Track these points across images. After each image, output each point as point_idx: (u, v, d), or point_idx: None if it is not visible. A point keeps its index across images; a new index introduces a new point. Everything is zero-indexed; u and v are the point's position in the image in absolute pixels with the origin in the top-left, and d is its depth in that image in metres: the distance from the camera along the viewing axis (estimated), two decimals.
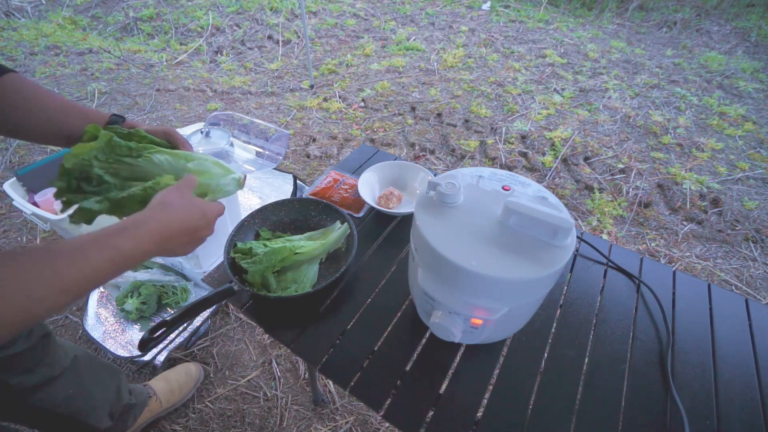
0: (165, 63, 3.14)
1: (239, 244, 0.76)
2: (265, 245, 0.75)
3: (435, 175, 0.90)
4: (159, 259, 1.53)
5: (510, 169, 2.17)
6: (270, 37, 3.52)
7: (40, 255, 0.38)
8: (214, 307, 1.23)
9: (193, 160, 0.60)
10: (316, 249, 0.77)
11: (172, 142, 0.63)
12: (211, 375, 1.31)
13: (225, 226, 1.36)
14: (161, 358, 1.28)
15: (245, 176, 0.66)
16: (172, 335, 1.32)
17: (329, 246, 0.78)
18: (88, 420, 0.88)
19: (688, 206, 1.95)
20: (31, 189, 1.53)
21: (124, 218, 0.46)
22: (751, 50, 3.38)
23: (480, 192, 0.61)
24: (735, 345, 0.70)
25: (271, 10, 3.90)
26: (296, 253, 0.76)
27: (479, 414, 0.60)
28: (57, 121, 0.58)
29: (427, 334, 0.69)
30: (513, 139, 2.37)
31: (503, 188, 0.62)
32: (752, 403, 0.62)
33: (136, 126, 0.62)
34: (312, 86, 2.85)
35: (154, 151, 0.58)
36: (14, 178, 1.51)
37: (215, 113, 1.39)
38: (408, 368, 0.65)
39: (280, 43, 3.42)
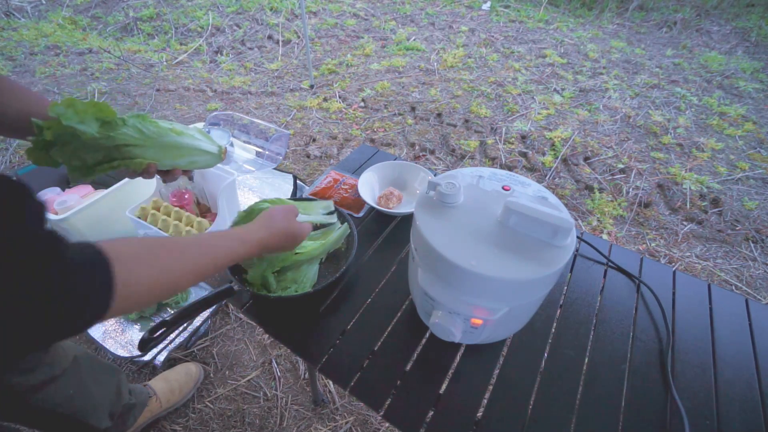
0: (165, 63, 3.14)
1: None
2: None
3: (435, 175, 0.90)
4: None
5: (510, 169, 2.17)
6: (270, 37, 3.52)
7: (187, 243, 0.49)
8: (214, 307, 1.23)
9: (179, 134, 0.62)
10: (316, 249, 0.77)
11: None
12: (211, 375, 1.31)
13: (225, 226, 1.36)
14: (161, 358, 1.28)
15: (225, 149, 0.69)
16: (172, 335, 1.32)
17: (329, 246, 0.78)
18: (88, 420, 0.88)
19: (688, 206, 1.95)
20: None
21: (240, 229, 0.60)
22: (751, 50, 3.38)
23: (480, 192, 0.61)
24: (735, 345, 0.70)
25: (271, 10, 3.90)
26: (296, 253, 0.76)
27: (479, 414, 0.60)
28: (29, 109, 0.58)
29: (427, 334, 0.69)
30: (513, 139, 2.37)
31: (503, 188, 0.62)
32: (752, 403, 0.62)
33: None
34: (312, 86, 2.85)
35: (143, 120, 0.59)
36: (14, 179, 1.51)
37: (215, 113, 1.39)
38: (408, 368, 0.65)
39: (280, 43, 3.42)
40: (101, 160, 0.56)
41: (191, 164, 0.66)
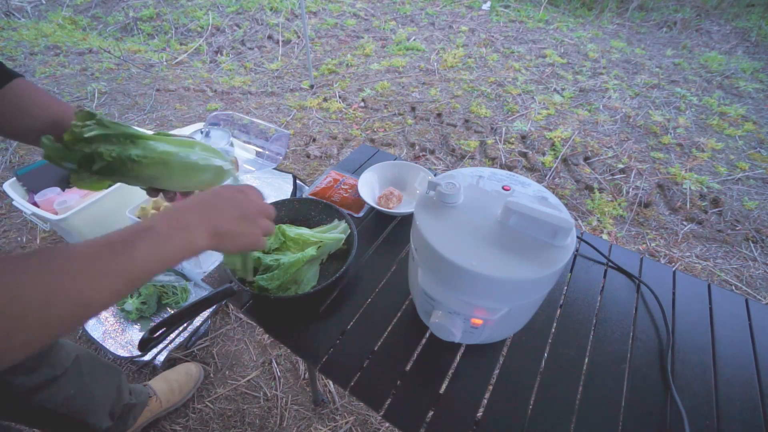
0: (165, 63, 3.14)
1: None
2: (277, 260, 0.74)
3: (435, 175, 0.90)
4: None
5: (510, 169, 2.17)
6: (270, 37, 3.52)
7: (98, 248, 0.37)
8: (214, 307, 1.23)
9: (189, 148, 0.60)
10: (315, 239, 0.77)
11: None
12: (211, 375, 1.31)
13: None
14: (161, 358, 1.28)
15: (235, 158, 0.66)
16: (172, 335, 1.32)
17: (329, 246, 0.78)
18: (88, 420, 0.88)
19: (688, 206, 1.95)
20: (31, 189, 1.53)
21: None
22: (751, 50, 3.38)
23: (480, 192, 0.61)
24: (735, 345, 0.70)
25: (271, 10, 3.90)
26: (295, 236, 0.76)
27: (479, 414, 0.60)
28: (64, 128, 0.58)
29: (427, 334, 0.69)
30: (513, 139, 2.37)
31: (503, 188, 0.62)
32: (752, 403, 0.62)
33: None
34: (312, 86, 2.85)
35: (159, 140, 0.58)
36: (14, 178, 1.51)
37: (215, 113, 1.39)
38: (408, 368, 0.65)
39: (280, 43, 3.42)
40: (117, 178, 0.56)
41: (210, 184, 0.63)
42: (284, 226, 0.79)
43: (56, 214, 1.38)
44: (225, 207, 0.49)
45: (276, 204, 0.85)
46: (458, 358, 0.66)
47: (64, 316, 0.34)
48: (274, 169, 1.65)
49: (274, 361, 1.35)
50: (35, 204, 1.48)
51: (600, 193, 2.01)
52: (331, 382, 1.29)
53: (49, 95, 0.58)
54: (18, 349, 0.31)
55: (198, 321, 1.38)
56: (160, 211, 0.45)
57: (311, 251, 0.75)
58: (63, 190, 1.58)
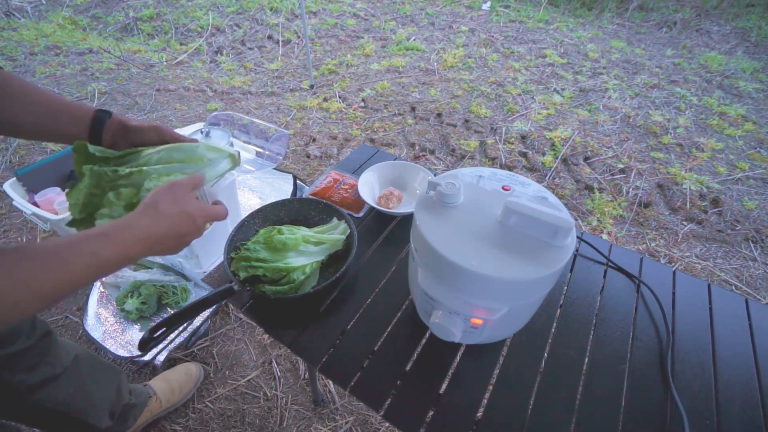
0: (165, 63, 3.14)
1: (261, 265, 0.72)
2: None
3: (435, 175, 0.90)
4: (159, 259, 1.53)
5: (510, 169, 2.17)
6: (270, 37, 3.52)
7: (16, 258, 0.36)
8: (214, 307, 1.23)
9: (183, 153, 0.59)
10: (315, 240, 0.77)
11: (161, 137, 0.62)
12: (211, 375, 1.31)
13: (225, 226, 1.36)
14: (161, 358, 1.28)
15: (238, 152, 0.67)
16: (172, 335, 1.32)
17: (329, 246, 0.78)
18: (88, 419, 0.88)
19: (688, 206, 1.95)
20: (31, 189, 1.53)
21: (107, 222, 0.45)
22: (751, 50, 3.38)
23: (480, 192, 0.61)
24: (735, 345, 0.70)
25: (271, 10, 3.90)
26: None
27: (479, 414, 0.60)
28: (44, 118, 0.57)
29: (427, 334, 0.69)
30: (513, 139, 2.37)
31: (503, 188, 0.62)
32: (752, 403, 0.62)
33: (124, 122, 0.61)
34: (312, 86, 2.85)
35: (144, 157, 0.57)
36: (14, 178, 1.51)
37: (215, 113, 1.39)
38: (408, 368, 0.65)
39: (280, 43, 3.42)
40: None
41: (217, 179, 0.66)
42: (284, 228, 0.78)
43: (56, 214, 1.38)
44: (169, 241, 0.49)
45: (276, 204, 0.85)
46: (458, 358, 0.66)
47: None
48: (274, 169, 1.65)
49: (274, 361, 1.35)
50: (35, 204, 1.48)
51: (600, 193, 2.01)
52: (331, 382, 1.29)
53: (31, 86, 0.57)
54: None
55: (198, 321, 1.38)
56: (113, 225, 0.46)
57: (318, 255, 0.75)
58: (63, 190, 1.58)
